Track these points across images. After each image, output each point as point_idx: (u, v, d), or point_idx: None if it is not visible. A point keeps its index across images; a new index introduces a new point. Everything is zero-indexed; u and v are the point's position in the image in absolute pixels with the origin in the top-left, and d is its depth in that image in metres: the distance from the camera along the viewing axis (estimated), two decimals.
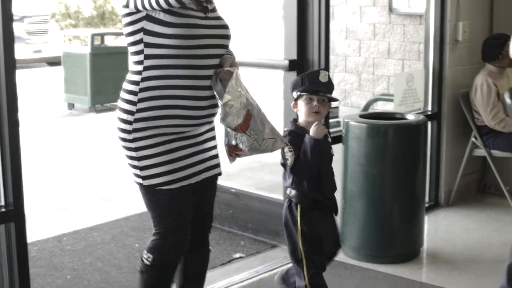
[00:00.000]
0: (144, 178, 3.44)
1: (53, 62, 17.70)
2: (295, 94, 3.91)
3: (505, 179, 6.34)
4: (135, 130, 3.38)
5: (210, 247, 3.82)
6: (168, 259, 3.57)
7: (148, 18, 3.32)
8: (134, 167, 3.46)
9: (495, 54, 6.31)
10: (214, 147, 3.64)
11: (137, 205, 6.52)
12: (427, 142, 5.79)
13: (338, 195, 4.21)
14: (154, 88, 3.35)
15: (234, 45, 3.66)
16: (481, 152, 6.53)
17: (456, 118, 6.55)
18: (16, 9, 17.23)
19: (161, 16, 3.30)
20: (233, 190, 5.84)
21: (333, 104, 4.08)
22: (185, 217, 3.55)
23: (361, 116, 5.36)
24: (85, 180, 7.87)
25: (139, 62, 3.38)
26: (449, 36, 6.37)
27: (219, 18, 3.55)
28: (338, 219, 4.22)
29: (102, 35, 13.31)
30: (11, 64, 3.63)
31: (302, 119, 3.94)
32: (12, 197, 3.71)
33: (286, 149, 3.84)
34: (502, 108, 6.17)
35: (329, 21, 5.35)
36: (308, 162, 3.82)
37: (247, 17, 11.64)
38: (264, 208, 5.68)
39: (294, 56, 5.29)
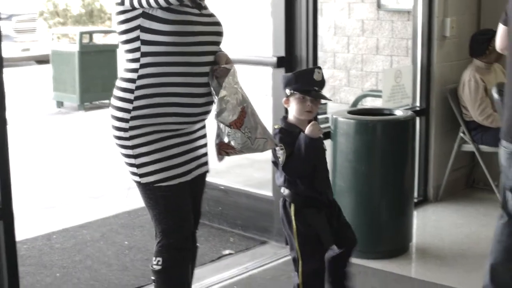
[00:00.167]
0: (141, 175, 3.42)
1: (42, 60, 17.65)
2: (288, 91, 3.89)
3: (493, 174, 6.35)
4: (132, 128, 3.36)
5: (198, 244, 3.82)
6: (175, 256, 3.53)
7: (145, 15, 3.30)
8: (131, 165, 3.44)
9: (482, 49, 6.33)
10: (205, 144, 3.64)
11: (126, 202, 6.55)
12: (416, 138, 5.81)
13: None
14: (151, 85, 3.33)
15: (222, 42, 3.66)
16: (469, 147, 6.55)
17: (444, 113, 6.57)
18: (4, 8, 17.20)
19: (159, 13, 3.28)
20: (222, 187, 5.84)
21: (322, 100, 4.08)
22: (186, 213, 3.53)
23: (350, 112, 5.37)
24: (74, 178, 7.86)
25: (135, 60, 3.36)
26: (437, 32, 6.39)
27: (212, 15, 3.54)
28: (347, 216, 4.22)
29: (90, 33, 13.27)
30: None
31: (293, 116, 3.92)
32: (0, 196, 3.70)
33: (277, 148, 3.82)
34: (489, 103, 6.19)
35: (317, 18, 5.36)
36: (302, 160, 3.81)
37: (235, 14, 11.64)
38: (253, 205, 5.69)
39: (282, 53, 5.29)
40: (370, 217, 5.17)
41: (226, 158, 3.54)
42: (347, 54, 11.25)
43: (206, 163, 3.66)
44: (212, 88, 3.43)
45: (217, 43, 3.53)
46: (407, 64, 7.44)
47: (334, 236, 3.97)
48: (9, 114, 3.70)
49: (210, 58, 3.45)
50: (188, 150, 3.48)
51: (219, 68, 3.44)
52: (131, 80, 3.37)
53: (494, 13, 6.65)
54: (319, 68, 3.97)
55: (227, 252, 5.43)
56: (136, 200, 6.47)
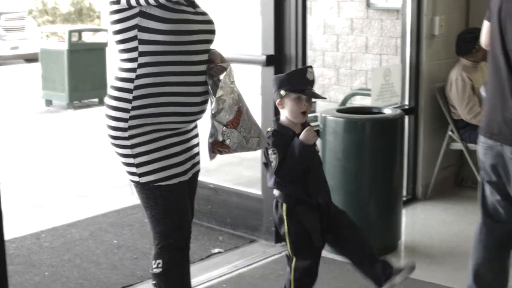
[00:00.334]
0: (141, 175, 3.39)
1: (31, 58, 17.61)
2: (283, 92, 3.86)
3: None
4: (131, 127, 3.33)
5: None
6: (176, 257, 3.50)
7: (142, 14, 3.27)
8: (130, 164, 3.40)
9: (468, 48, 6.35)
10: (198, 143, 3.62)
11: (115, 201, 6.55)
12: (404, 136, 5.81)
13: None
14: (150, 85, 3.31)
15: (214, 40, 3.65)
16: (458, 145, 6.57)
17: (433, 112, 6.58)
18: None
19: (156, 12, 3.26)
20: (212, 186, 5.84)
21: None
22: (185, 212, 3.51)
23: (339, 110, 5.37)
24: (63, 176, 7.84)
25: (132, 60, 3.33)
26: (425, 30, 6.40)
27: (204, 13, 3.52)
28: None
29: (79, 32, 13.24)
30: None
31: (286, 117, 3.90)
32: None
33: (270, 151, 3.82)
34: (477, 101, 6.21)
35: (307, 16, 5.37)
36: (295, 165, 3.82)
37: (224, 12, 11.63)
38: (242, 203, 5.69)
39: (271, 51, 5.30)
40: (359, 216, 5.15)
41: (218, 156, 3.55)
42: (336, 52, 11.25)
43: (198, 162, 3.65)
44: (209, 87, 3.43)
45: (211, 42, 3.52)
46: (396, 63, 7.46)
47: (329, 234, 3.98)
48: None
49: (205, 57, 3.45)
50: (185, 149, 3.47)
51: (215, 66, 3.44)
52: (129, 80, 3.34)
53: (483, 11, 6.60)
54: (311, 67, 3.96)
55: (216, 250, 5.43)
56: (125, 199, 6.49)
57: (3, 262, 3.83)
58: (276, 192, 3.94)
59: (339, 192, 5.11)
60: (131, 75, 3.33)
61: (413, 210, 6.38)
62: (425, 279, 4.85)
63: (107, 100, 3.44)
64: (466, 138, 6.42)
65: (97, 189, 7.24)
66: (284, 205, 3.92)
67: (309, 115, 5.35)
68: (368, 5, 10.76)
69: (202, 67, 3.42)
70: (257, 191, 5.59)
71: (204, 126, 3.57)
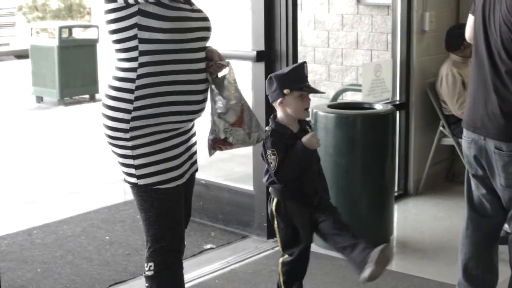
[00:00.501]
0: (139, 177, 3.33)
1: (21, 55, 17.57)
2: (286, 91, 3.82)
3: None
4: (133, 129, 3.27)
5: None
6: (168, 260, 3.45)
7: (142, 13, 3.21)
8: (129, 166, 3.35)
9: (457, 43, 6.35)
10: (196, 142, 3.58)
11: (107, 197, 6.55)
12: (396, 132, 5.83)
13: None
14: (151, 85, 3.25)
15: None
16: (449, 141, 6.59)
17: (424, 107, 6.59)
18: None
19: (155, 10, 3.21)
20: (203, 182, 5.83)
21: None
22: (179, 216, 3.47)
23: (330, 106, 5.38)
24: (54, 173, 7.83)
25: (132, 59, 3.27)
26: (416, 26, 6.41)
27: (200, 10, 3.47)
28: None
29: (69, 28, 13.22)
30: None
31: (286, 115, 3.88)
32: None
33: (269, 152, 3.82)
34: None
35: (297, 12, 5.37)
36: (295, 169, 3.82)
37: (214, 8, 11.60)
38: (234, 199, 5.70)
39: (262, 47, 5.30)
40: (351, 211, 5.18)
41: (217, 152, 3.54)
42: (327, 48, 11.25)
43: (196, 161, 3.61)
44: (212, 85, 3.41)
45: (207, 39, 3.47)
46: (387, 58, 7.46)
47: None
48: None
49: (203, 55, 3.41)
50: (184, 151, 3.42)
51: (215, 64, 3.42)
52: (129, 80, 3.27)
53: None
54: (305, 63, 3.98)
55: (208, 246, 5.44)
56: (116, 195, 6.49)
57: None
58: (270, 188, 3.95)
59: (330, 187, 5.07)
60: (132, 75, 3.27)
61: (405, 205, 6.39)
62: (417, 274, 4.87)
63: (104, 99, 3.37)
64: (457, 133, 6.43)
65: (89, 185, 7.23)
66: (275, 200, 3.93)
67: None
68: (359, 1, 10.76)
69: (202, 65, 3.39)
70: (248, 187, 5.60)
71: (200, 123, 3.55)
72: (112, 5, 3.25)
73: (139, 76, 3.26)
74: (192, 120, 3.43)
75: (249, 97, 5.31)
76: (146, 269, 3.45)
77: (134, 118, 3.27)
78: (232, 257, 5.20)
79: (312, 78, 11.22)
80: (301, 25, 10.71)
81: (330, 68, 11.25)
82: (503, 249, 4.08)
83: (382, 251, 3.70)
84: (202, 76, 3.39)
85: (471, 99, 3.85)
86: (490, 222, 3.95)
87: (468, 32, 4.00)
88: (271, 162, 3.81)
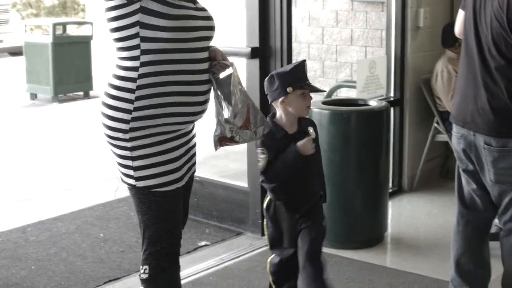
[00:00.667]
0: (138, 179, 3.27)
1: (15, 52, 17.53)
2: (289, 90, 3.79)
3: None
4: (133, 129, 3.20)
5: None
6: (164, 263, 3.40)
7: (143, 10, 3.14)
8: (127, 167, 3.28)
9: (453, 40, 6.35)
10: (195, 144, 3.53)
11: (101, 195, 6.54)
12: (390, 128, 5.83)
13: None
14: (153, 85, 3.18)
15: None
16: (443, 137, 6.59)
17: (418, 104, 6.60)
18: None
19: (158, 7, 3.14)
20: (198, 178, 5.81)
21: None
22: (177, 219, 3.43)
23: (324, 102, 5.38)
24: (48, 170, 7.82)
25: (134, 58, 3.20)
26: (410, 22, 6.41)
27: (204, 9, 3.41)
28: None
29: (64, 25, 13.19)
30: None
31: (287, 114, 3.84)
32: None
33: (258, 150, 3.78)
34: None
35: (291, 8, 5.36)
36: (283, 171, 3.78)
37: (208, 3, 11.60)
38: (228, 196, 5.69)
39: (256, 44, 5.30)
40: (345, 207, 5.19)
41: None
42: (321, 45, 11.24)
43: (195, 163, 3.56)
44: (217, 90, 3.36)
45: (211, 38, 3.41)
46: (381, 55, 7.45)
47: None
48: None
49: (206, 54, 3.35)
50: (184, 153, 3.36)
51: (218, 64, 3.37)
52: (130, 79, 3.20)
53: None
54: (305, 61, 3.99)
55: (203, 243, 5.44)
56: (110, 192, 6.48)
57: None
58: (264, 186, 3.94)
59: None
60: (133, 74, 3.20)
61: (399, 201, 6.40)
62: (411, 270, 4.87)
63: (104, 98, 3.30)
64: (451, 129, 6.37)
65: (83, 182, 7.22)
66: (267, 199, 3.93)
67: None
68: None
69: (204, 65, 3.32)
70: (243, 183, 5.60)
71: (200, 123, 3.52)
72: (112, 3, 3.19)
73: (141, 76, 3.19)
74: (193, 121, 3.37)
75: None
76: (141, 271, 3.40)
77: (134, 119, 3.20)
78: (226, 254, 5.20)
79: None
80: (296, 21, 10.70)
81: (325, 64, 11.25)
82: (495, 245, 4.08)
83: None
84: (204, 76, 3.32)
85: (461, 94, 3.86)
86: (481, 217, 3.95)
87: (458, 27, 4.00)
88: (259, 161, 3.78)
